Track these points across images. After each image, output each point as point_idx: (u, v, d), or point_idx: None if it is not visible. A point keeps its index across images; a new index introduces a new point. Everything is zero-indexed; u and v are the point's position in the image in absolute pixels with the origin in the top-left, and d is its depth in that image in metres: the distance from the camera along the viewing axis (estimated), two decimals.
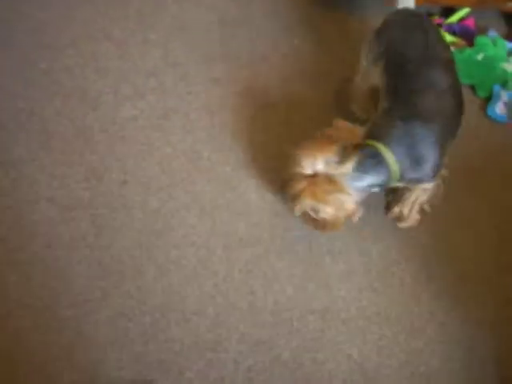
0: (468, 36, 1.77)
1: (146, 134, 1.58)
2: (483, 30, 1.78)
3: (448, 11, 1.81)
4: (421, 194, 1.41)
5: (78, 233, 1.44)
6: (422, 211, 1.47)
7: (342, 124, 1.29)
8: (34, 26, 1.71)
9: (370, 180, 1.27)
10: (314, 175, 1.24)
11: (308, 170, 1.24)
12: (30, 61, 1.65)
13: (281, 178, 1.43)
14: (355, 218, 1.32)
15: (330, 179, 1.23)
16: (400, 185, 1.36)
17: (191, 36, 1.73)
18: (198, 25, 1.75)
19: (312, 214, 1.29)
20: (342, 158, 1.23)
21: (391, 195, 1.49)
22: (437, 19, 1.79)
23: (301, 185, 1.25)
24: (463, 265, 1.48)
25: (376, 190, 1.31)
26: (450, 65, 1.37)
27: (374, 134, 1.29)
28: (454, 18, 1.79)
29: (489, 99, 1.69)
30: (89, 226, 1.45)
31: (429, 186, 1.38)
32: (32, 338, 1.33)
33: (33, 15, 1.73)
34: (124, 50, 1.69)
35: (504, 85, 1.68)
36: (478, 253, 1.49)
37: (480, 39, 1.71)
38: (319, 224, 1.32)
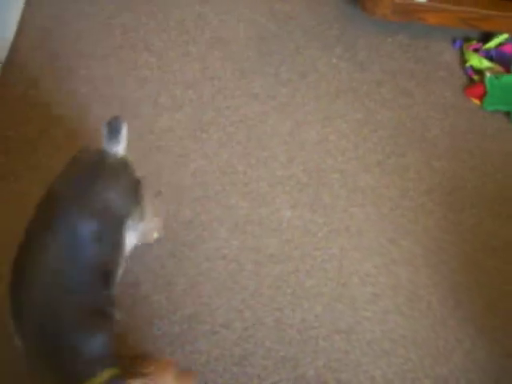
0: (505, 62, 1.77)
1: (182, 145, 1.60)
2: None
3: (486, 36, 1.81)
4: None
5: None
6: None
7: None
8: (75, 35, 1.74)
9: None
10: None
11: None
12: (71, 69, 1.68)
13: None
14: None
15: None
16: None
17: (230, 50, 1.75)
18: (238, 40, 1.77)
19: None
20: None
21: None
22: (475, 44, 1.79)
23: None
24: (492, 293, 1.47)
25: None
26: None
27: None
28: (492, 44, 1.79)
29: None
30: None
31: None
32: None
33: (73, 24, 1.76)
34: (164, 62, 1.72)
35: None
36: (507, 282, 1.49)
37: None
38: None
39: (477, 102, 1.72)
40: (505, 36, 1.79)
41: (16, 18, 1.75)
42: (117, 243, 1.15)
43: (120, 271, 1.18)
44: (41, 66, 1.68)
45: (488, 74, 1.71)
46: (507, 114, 1.71)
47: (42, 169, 1.54)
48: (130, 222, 1.19)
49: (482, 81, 1.71)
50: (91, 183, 1.14)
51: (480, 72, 1.74)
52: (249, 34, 1.79)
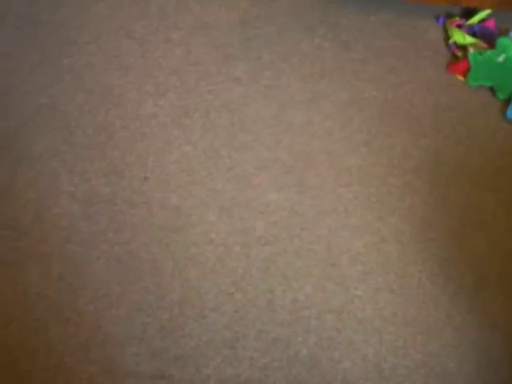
0: (489, 37, 1.76)
1: (166, 132, 1.59)
2: (504, 32, 1.77)
3: (469, 12, 1.80)
4: None
5: (97, 228, 1.46)
6: None
7: None
8: (57, 22, 1.73)
9: None
10: None
11: None
12: (54, 57, 1.68)
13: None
14: None
15: None
16: None
17: (213, 35, 1.74)
18: (220, 24, 1.76)
19: None
20: None
21: None
22: (457, 20, 1.78)
23: None
24: (480, 268, 1.47)
25: None
26: None
27: None
28: (474, 20, 1.78)
29: (508, 101, 1.68)
30: (109, 221, 1.47)
31: None
32: (51, 331, 1.35)
33: (55, 11, 1.75)
34: (146, 48, 1.71)
35: None
36: (495, 256, 1.48)
37: (501, 41, 1.70)
38: None
39: (461, 78, 1.71)
40: (487, 11, 1.78)
41: None
42: None
43: None
44: (22, 54, 1.67)
45: (471, 50, 1.70)
46: (491, 89, 1.71)
47: (26, 158, 1.53)
48: None
49: (465, 57, 1.71)
50: None
51: (463, 48, 1.73)
52: (231, 19, 1.78)
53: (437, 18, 1.80)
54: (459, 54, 1.73)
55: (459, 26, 1.76)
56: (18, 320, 1.36)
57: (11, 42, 1.70)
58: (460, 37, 1.74)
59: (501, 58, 1.68)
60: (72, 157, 1.54)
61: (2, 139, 1.56)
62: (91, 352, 1.34)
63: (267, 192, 1.53)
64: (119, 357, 1.34)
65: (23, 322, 1.36)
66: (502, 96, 1.70)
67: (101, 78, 1.66)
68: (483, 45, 1.74)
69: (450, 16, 1.80)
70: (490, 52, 1.69)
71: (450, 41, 1.75)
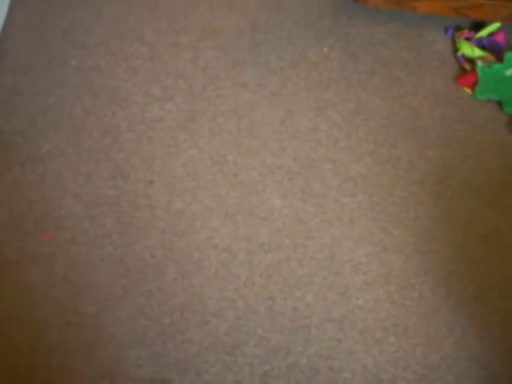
0: (497, 51, 1.76)
1: (172, 135, 1.59)
2: None
3: (478, 25, 1.80)
4: None
5: (102, 230, 1.46)
6: None
7: None
8: (67, 24, 1.74)
9: None
10: None
11: None
12: (62, 58, 1.68)
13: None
14: None
15: None
16: None
17: (222, 40, 1.74)
18: (229, 29, 1.76)
19: None
20: None
21: None
22: (466, 33, 1.79)
23: None
24: (482, 281, 1.47)
25: None
26: None
27: None
28: (483, 33, 1.78)
29: None
30: (113, 223, 1.47)
31: None
32: (53, 332, 1.35)
33: (65, 13, 1.76)
34: (154, 51, 1.71)
35: None
36: (497, 270, 1.49)
37: (510, 55, 1.70)
38: None
39: (468, 90, 1.71)
40: (496, 25, 1.78)
41: (6, 5, 1.74)
42: None
43: None
44: (32, 55, 1.68)
45: (480, 63, 1.71)
46: (498, 102, 1.71)
47: (31, 158, 1.54)
48: None
49: (473, 70, 1.71)
50: None
51: (472, 61, 1.74)
52: (240, 25, 1.78)
53: (446, 29, 1.81)
54: (467, 66, 1.74)
55: (468, 39, 1.77)
56: (20, 320, 1.36)
57: (21, 43, 1.70)
58: (468, 49, 1.74)
59: (509, 72, 1.69)
60: (77, 158, 1.54)
61: (10, 138, 1.56)
62: (92, 354, 1.34)
63: (271, 198, 1.53)
64: (120, 360, 1.34)
65: (25, 322, 1.36)
66: (509, 110, 1.70)
67: (108, 80, 1.66)
68: (492, 58, 1.74)
69: (458, 28, 1.80)
70: (498, 66, 1.70)
71: (459, 53, 1.75)
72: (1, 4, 1.72)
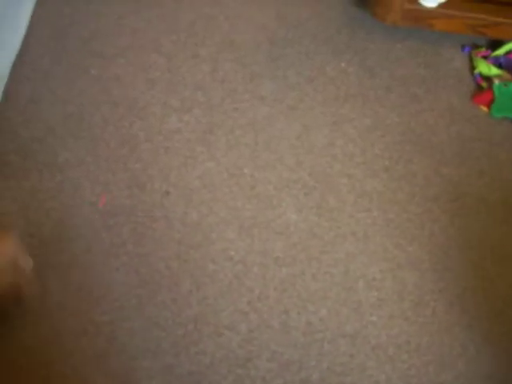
0: None
1: (189, 147, 1.60)
2: None
3: (495, 43, 1.81)
4: None
5: (118, 239, 1.47)
6: None
7: None
8: (87, 34, 1.75)
9: None
10: None
11: None
12: (82, 68, 1.69)
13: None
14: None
15: None
16: None
17: (240, 54, 1.75)
18: (248, 43, 1.77)
19: None
20: None
21: None
22: (483, 51, 1.79)
23: None
24: (498, 301, 1.47)
25: None
26: None
27: None
28: (500, 51, 1.79)
29: None
30: (129, 233, 1.48)
31: None
32: (68, 341, 1.36)
33: (85, 23, 1.78)
34: (173, 63, 1.72)
35: None
36: None
37: None
38: None
39: (485, 108, 1.72)
40: None
41: (27, 15, 1.76)
42: None
43: None
44: (51, 64, 1.70)
45: (496, 81, 1.72)
46: None
47: (49, 166, 1.55)
48: None
49: (490, 88, 1.72)
50: None
51: (488, 79, 1.74)
52: (258, 39, 1.79)
53: (463, 47, 1.82)
54: (484, 84, 1.74)
55: (485, 57, 1.78)
56: (34, 328, 1.37)
57: (40, 51, 1.72)
58: (485, 68, 1.75)
59: None
60: (95, 167, 1.55)
61: (28, 145, 1.57)
62: (106, 363, 1.34)
63: (287, 213, 1.53)
64: (133, 370, 1.34)
65: (40, 330, 1.36)
66: None
67: (127, 91, 1.67)
68: (508, 77, 1.75)
69: (476, 46, 1.81)
70: None
71: (475, 71, 1.76)
72: (22, 14, 1.74)
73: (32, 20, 1.76)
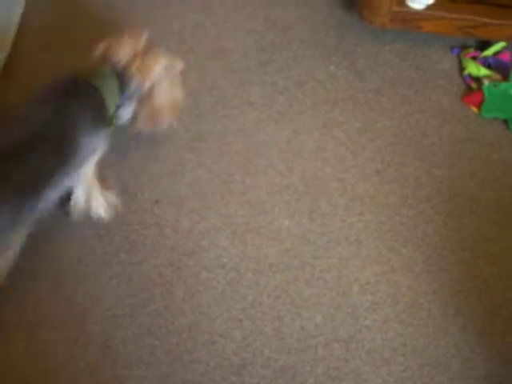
0: (503, 70, 1.77)
1: (179, 155, 1.60)
2: None
3: (484, 44, 1.81)
4: None
5: (110, 248, 1.46)
6: None
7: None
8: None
9: None
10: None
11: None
12: None
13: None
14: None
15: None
16: None
17: (229, 60, 1.75)
18: (236, 49, 1.77)
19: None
20: None
21: None
22: (472, 52, 1.80)
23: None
24: (492, 301, 1.47)
25: None
26: None
27: None
28: (489, 52, 1.79)
29: None
30: (121, 242, 1.47)
31: None
32: (60, 351, 1.35)
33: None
34: None
35: None
36: (507, 290, 1.48)
37: None
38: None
39: (475, 109, 1.72)
40: (502, 44, 1.79)
41: None
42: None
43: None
44: None
45: (486, 82, 1.72)
46: (505, 121, 1.71)
47: None
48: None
49: (479, 88, 1.72)
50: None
51: (478, 80, 1.75)
52: (247, 44, 1.79)
53: (451, 49, 1.82)
54: (473, 85, 1.74)
55: (474, 58, 1.78)
56: (26, 339, 1.36)
57: None
58: (474, 68, 1.75)
59: None
60: None
61: None
62: (99, 373, 1.34)
63: (279, 218, 1.53)
64: (127, 379, 1.34)
65: (32, 341, 1.35)
66: None
67: None
68: (497, 77, 1.75)
69: (464, 47, 1.81)
70: (504, 84, 1.71)
71: (465, 72, 1.76)
72: None
73: None
